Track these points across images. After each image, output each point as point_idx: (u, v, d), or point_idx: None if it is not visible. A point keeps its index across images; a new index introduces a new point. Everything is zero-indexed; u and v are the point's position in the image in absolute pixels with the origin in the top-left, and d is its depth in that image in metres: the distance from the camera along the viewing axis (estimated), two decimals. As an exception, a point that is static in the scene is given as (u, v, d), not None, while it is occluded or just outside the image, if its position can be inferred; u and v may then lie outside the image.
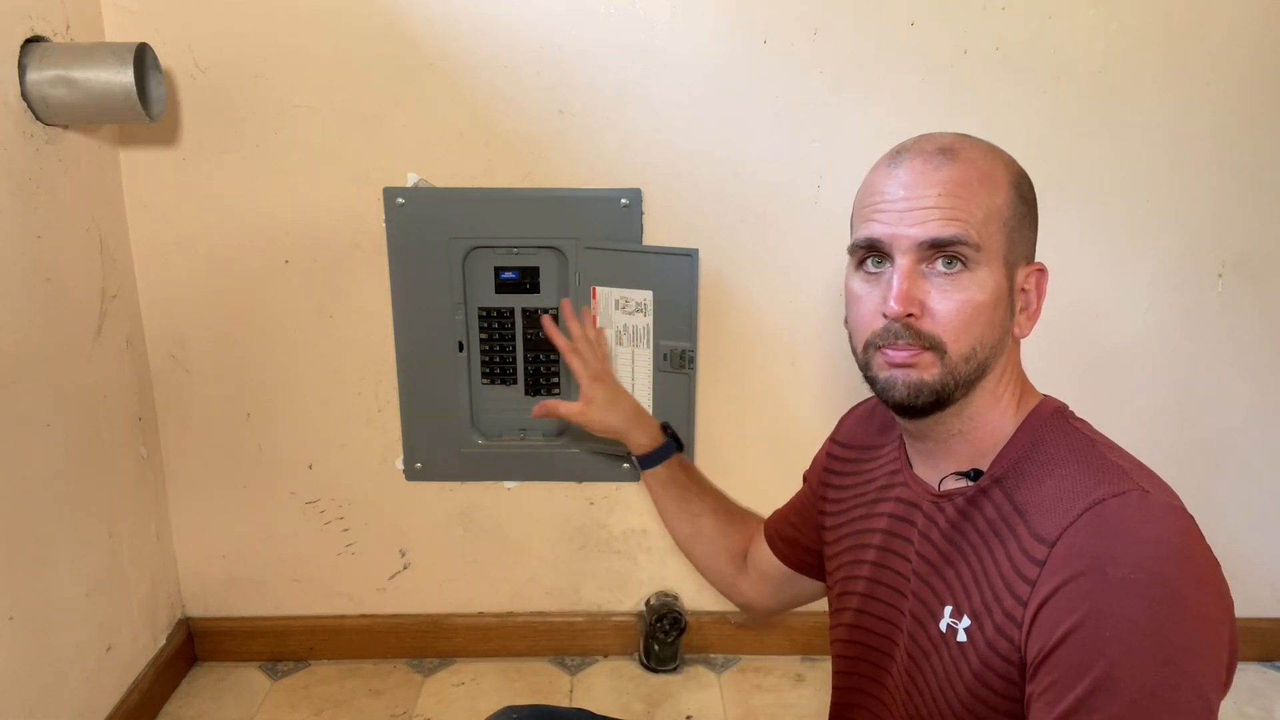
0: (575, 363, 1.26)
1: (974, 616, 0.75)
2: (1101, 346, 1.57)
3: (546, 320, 1.35)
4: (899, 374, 0.75)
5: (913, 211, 0.74)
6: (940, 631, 0.78)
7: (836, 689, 0.96)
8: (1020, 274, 0.78)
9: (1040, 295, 0.80)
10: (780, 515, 1.11)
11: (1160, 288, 1.55)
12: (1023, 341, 0.81)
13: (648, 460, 1.21)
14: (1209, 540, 0.70)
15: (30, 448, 1.25)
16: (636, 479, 1.63)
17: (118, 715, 1.45)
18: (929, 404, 0.76)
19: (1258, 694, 1.64)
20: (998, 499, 0.76)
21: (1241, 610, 0.71)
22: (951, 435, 0.80)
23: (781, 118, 1.45)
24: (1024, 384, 0.81)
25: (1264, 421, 1.62)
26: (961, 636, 0.76)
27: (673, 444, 1.22)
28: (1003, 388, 0.79)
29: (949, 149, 0.75)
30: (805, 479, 1.08)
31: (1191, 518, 0.69)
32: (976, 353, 0.75)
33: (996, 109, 1.45)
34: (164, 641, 1.62)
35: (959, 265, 0.73)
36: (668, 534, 1.66)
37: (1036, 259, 0.80)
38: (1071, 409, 0.81)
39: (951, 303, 0.73)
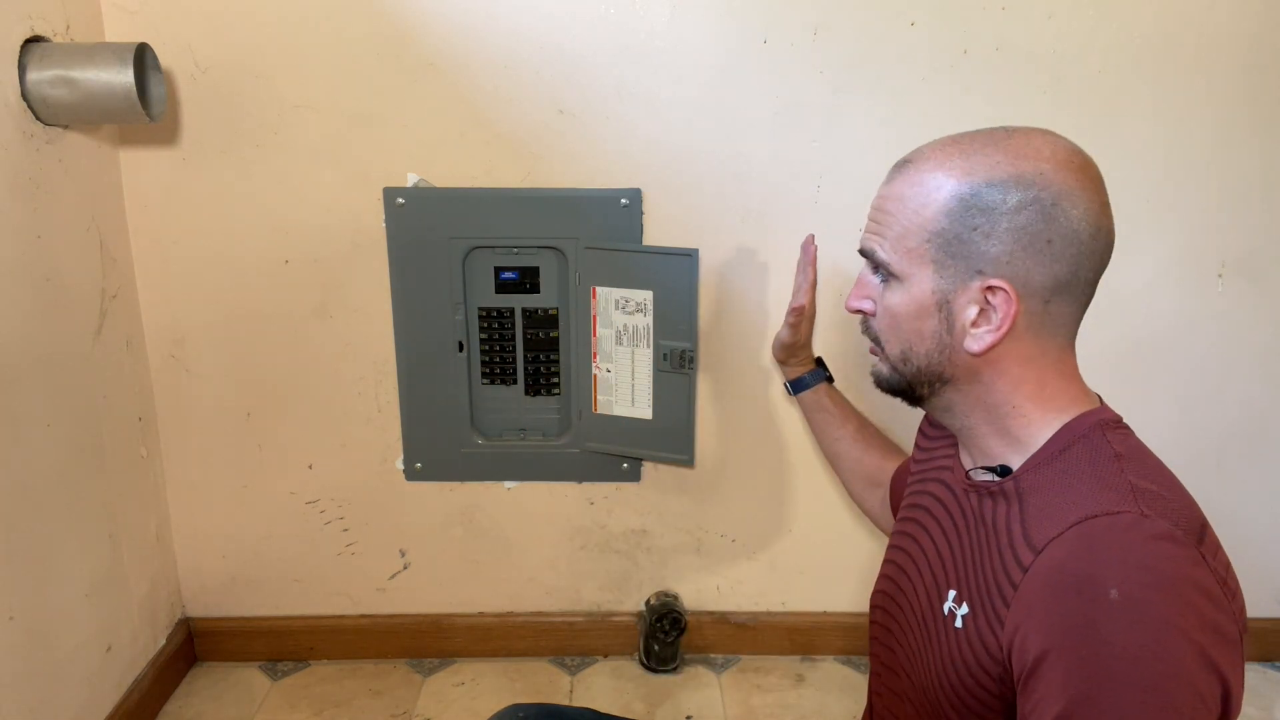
0: (810, 276, 1.27)
1: (970, 605, 0.77)
2: (1101, 347, 1.57)
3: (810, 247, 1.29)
4: (873, 361, 0.86)
5: (867, 222, 0.82)
6: (944, 613, 0.80)
7: (871, 654, 0.99)
8: (974, 287, 0.75)
9: (1007, 315, 0.74)
10: (901, 471, 1.15)
11: (1159, 288, 1.55)
12: None
13: (799, 384, 1.33)
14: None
15: (30, 448, 1.25)
16: (637, 479, 1.63)
17: (118, 715, 1.45)
18: (889, 391, 0.85)
19: (1258, 694, 1.64)
20: (1013, 499, 0.77)
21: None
22: (959, 429, 0.84)
23: (781, 118, 1.45)
24: (1058, 392, 0.78)
25: (1264, 421, 1.62)
26: (959, 623, 0.77)
27: (822, 372, 1.33)
28: (995, 396, 0.78)
29: (908, 161, 0.78)
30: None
31: (1191, 547, 0.67)
32: (910, 359, 0.80)
33: (996, 109, 1.45)
34: (164, 641, 1.62)
35: (885, 274, 0.80)
36: (667, 534, 1.67)
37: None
38: (1125, 422, 0.78)
39: (879, 308, 0.82)
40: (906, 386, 0.83)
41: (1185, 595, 0.65)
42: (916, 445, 1.02)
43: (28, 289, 1.24)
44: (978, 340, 0.76)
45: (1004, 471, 0.79)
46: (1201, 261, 1.54)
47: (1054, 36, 1.42)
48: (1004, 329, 0.75)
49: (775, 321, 1.55)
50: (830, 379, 1.34)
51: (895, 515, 1.11)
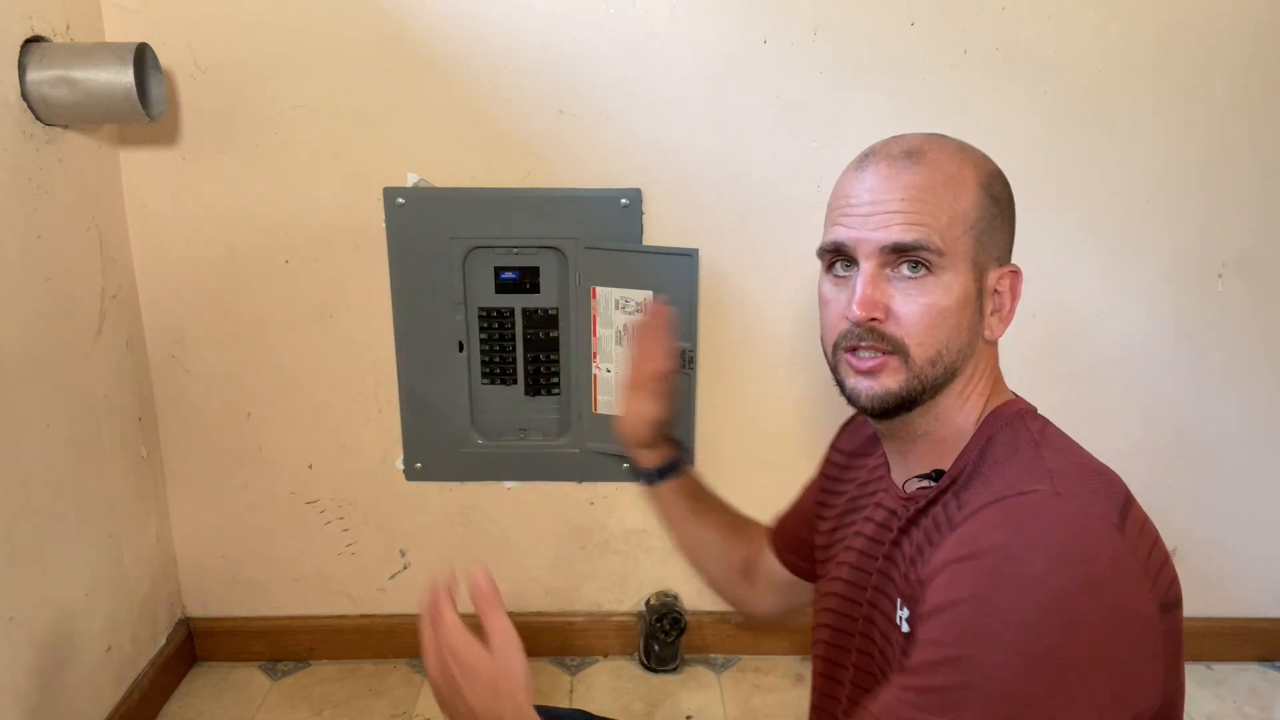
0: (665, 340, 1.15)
1: (908, 603, 0.76)
2: (1101, 348, 1.57)
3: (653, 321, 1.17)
4: (863, 383, 0.76)
5: (876, 216, 0.74)
6: (896, 624, 0.79)
7: (816, 690, 0.96)
8: (992, 276, 0.77)
9: (1014, 297, 0.79)
10: (785, 522, 1.10)
11: (1160, 289, 1.55)
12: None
13: (667, 470, 1.13)
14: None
15: (30, 448, 1.25)
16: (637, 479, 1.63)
17: (118, 715, 1.45)
18: (894, 408, 0.77)
19: (1258, 694, 1.64)
20: (948, 498, 0.77)
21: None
22: (917, 436, 0.81)
23: (781, 118, 1.45)
24: (995, 385, 0.81)
25: (1264, 422, 1.62)
26: (905, 627, 0.77)
27: (682, 458, 1.14)
28: (971, 389, 0.79)
29: (915, 152, 0.76)
30: (809, 483, 1.07)
31: (1104, 524, 0.67)
32: (942, 356, 0.75)
33: (996, 109, 1.45)
34: (164, 641, 1.62)
35: (923, 269, 0.74)
36: (668, 534, 1.66)
37: (1022, 259, 0.80)
38: (1039, 410, 0.80)
39: (916, 306, 0.74)
40: (919, 395, 0.76)
41: (1093, 571, 0.65)
42: (826, 474, 0.99)
43: (28, 289, 1.24)
44: (992, 328, 0.78)
45: (938, 475, 0.79)
46: (1201, 262, 1.54)
47: (1054, 36, 1.42)
48: (1014, 311, 0.78)
49: (775, 322, 1.55)
50: (688, 459, 1.17)
51: (785, 561, 1.08)
